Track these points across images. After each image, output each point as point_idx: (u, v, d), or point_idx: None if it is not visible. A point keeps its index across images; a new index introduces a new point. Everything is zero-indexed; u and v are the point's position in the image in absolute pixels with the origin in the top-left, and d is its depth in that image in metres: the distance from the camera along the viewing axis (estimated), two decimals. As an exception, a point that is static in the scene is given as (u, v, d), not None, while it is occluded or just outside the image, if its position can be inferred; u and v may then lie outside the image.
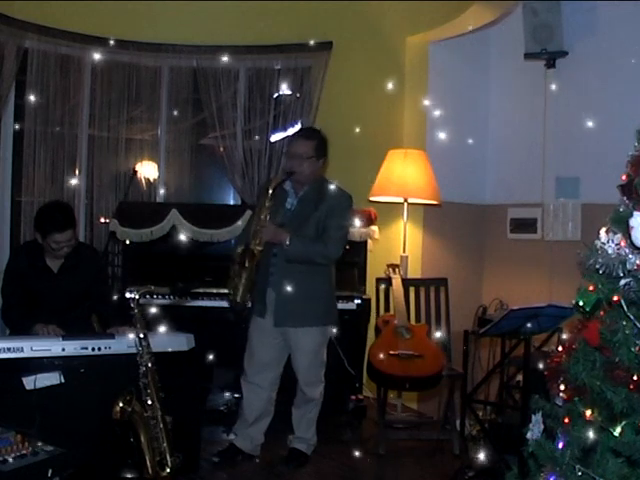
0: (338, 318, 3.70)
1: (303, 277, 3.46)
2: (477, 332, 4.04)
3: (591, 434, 1.85)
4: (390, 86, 5.18)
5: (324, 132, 3.65)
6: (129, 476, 3.03)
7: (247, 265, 3.38)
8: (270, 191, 3.41)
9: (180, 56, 5.31)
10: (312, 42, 5.19)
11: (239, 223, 4.38)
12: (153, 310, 3.51)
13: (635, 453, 1.76)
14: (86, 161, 5.26)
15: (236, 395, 4.31)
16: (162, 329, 3.33)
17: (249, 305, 3.54)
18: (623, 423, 1.82)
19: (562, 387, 2.05)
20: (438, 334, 4.38)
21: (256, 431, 3.66)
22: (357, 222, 4.46)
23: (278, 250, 3.49)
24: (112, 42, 5.11)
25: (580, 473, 1.87)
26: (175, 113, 5.44)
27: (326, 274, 3.59)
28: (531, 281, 4.84)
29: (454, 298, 4.56)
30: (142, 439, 2.85)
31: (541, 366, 3.30)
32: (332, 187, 3.59)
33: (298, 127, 4.93)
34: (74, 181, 5.18)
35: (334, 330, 3.67)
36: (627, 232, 1.86)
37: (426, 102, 5.08)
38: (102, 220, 5.15)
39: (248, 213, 4.27)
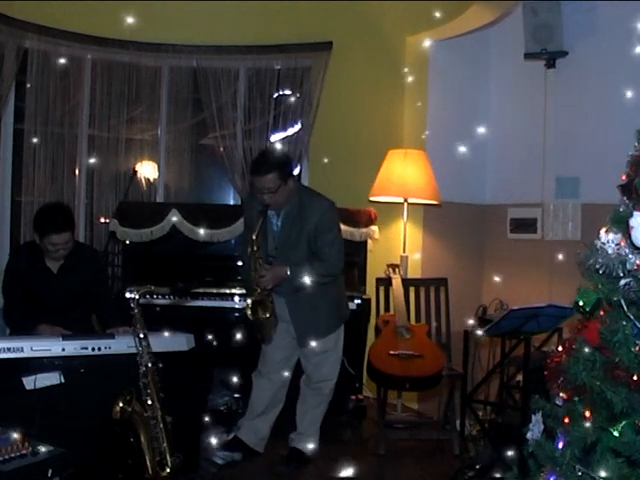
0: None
1: (312, 290, 3.46)
2: (477, 332, 4.04)
3: (591, 434, 1.85)
4: (390, 86, 5.18)
5: (280, 149, 3.56)
6: (129, 476, 3.02)
7: (268, 317, 3.43)
8: (254, 237, 3.38)
9: (180, 56, 5.31)
10: (312, 42, 5.19)
11: (239, 223, 4.37)
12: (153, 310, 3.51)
13: (635, 453, 1.76)
14: (86, 161, 5.26)
15: (236, 395, 4.31)
16: (162, 329, 3.33)
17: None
18: (623, 423, 1.82)
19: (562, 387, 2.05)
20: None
21: (263, 423, 3.67)
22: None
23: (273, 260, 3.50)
24: (112, 42, 5.11)
25: (580, 473, 1.87)
26: (175, 113, 5.44)
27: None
28: (531, 281, 4.84)
29: (454, 298, 4.56)
30: (142, 439, 2.85)
31: (541, 366, 3.30)
32: (311, 197, 3.54)
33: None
34: (74, 181, 5.18)
35: None
36: (627, 232, 1.86)
37: (426, 102, 5.08)
38: (102, 220, 5.16)
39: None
